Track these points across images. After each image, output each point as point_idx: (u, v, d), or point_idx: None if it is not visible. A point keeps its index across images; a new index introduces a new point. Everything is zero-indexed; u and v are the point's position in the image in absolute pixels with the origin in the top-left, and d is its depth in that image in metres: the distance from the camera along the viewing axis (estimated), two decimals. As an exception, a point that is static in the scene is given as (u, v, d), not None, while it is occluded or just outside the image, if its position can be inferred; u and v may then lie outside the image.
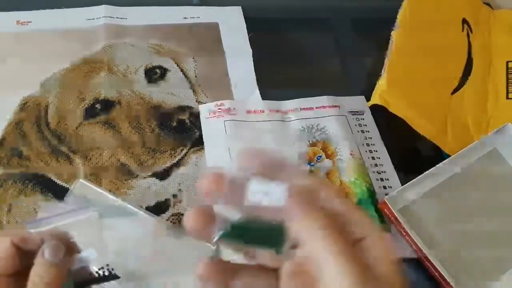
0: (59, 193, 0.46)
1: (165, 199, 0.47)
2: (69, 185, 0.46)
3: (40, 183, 0.46)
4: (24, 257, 0.31)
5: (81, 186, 0.44)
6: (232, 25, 0.63)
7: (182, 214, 0.46)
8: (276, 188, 0.24)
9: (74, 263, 0.32)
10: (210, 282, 0.25)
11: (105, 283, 0.35)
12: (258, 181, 0.24)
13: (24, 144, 0.49)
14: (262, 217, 0.24)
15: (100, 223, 0.37)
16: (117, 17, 0.61)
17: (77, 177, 0.47)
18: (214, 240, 0.25)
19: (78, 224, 0.35)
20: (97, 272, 0.35)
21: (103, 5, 0.61)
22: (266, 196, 0.24)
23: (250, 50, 0.60)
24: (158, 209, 0.46)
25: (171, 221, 0.45)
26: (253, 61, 0.59)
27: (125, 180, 0.48)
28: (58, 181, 0.47)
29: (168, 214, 0.46)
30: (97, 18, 0.60)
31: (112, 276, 0.35)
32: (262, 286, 0.25)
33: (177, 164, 0.49)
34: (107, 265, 0.35)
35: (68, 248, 0.32)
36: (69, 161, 0.48)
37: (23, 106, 0.52)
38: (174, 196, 0.47)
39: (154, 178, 0.48)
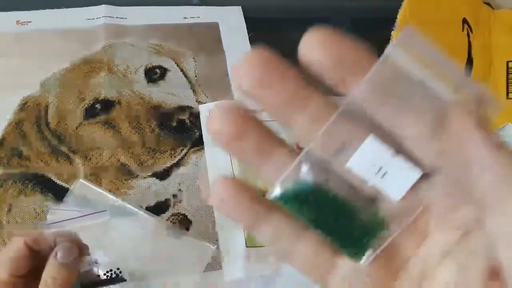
0: (59, 193, 0.46)
1: (165, 199, 0.47)
2: (69, 185, 0.46)
3: (40, 183, 0.46)
4: (35, 257, 0.31)
5: (81, 186, 0.44)
6: (232, 25, 0.63)
7: (182, 214, 0.46)
8: (400, 168, 0.15)
9: (84, 265, 0.33)
10: (229, 208, 0.17)
11: (111, 285, 0.36)
12: (376, 143, 0.15)
13: (24, 144, 0.49)
14: (357, 197, 0.16)
15: (108, 225, 0.37)
16: (117, 17, 0.61)
17: (77, 177, 0.47)
18: (271, 195, 0.16)
19: (87, 226, 0.35)
20: (105, 274, 0.35)
21: (103, 5, 0.61)
22: (379, 174, 0.15)
23: (250, 50, 0.60)
24: (158, 209, 0.46)
25: (171, 221, 0.45)
26: (253, 61, 0.59)
27: (125, 180, 0.48)
28: (58, 181, 0.47)
29: (168, 214, 0.46)
30: (97, 18, 0.60)
31: (118, 279, 0.35)
32: (305, 251, 0.17)
33: (177, 164, 0.49)
34: (118, 268, 0.35)
35: (79, 250, 0.32)
36: (69, 161, 0.48)
37: (23, 106, 0.52)
38: (174, 196, 0.47)
39: (154, 178, 0.48)
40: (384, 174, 0.15)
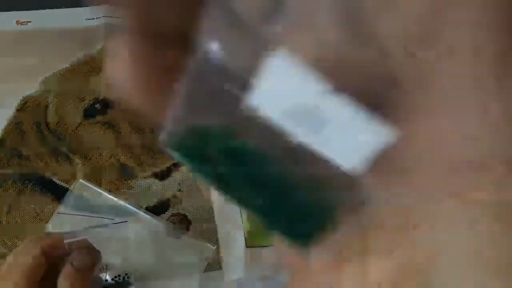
0: (59, 193, 0.45)
1: (165, 199, 0.47)
2: (69, 185, 0.46)
3: (40, 183, 0.46)
4: (49, 263, 0.31)
5: (81, 186, 0.44)
6: (232, 25, 0.63)
7: (182, 214, 0.46)
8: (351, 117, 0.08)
9: (96, 270, 0.33)
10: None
11: None
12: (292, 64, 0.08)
13: (24, 144, 0.49)
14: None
15: (115, 230, 0.37)
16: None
17: (77, 177, 0.47)
18: (161, 139, 0.11)
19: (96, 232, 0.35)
20: (113, 279, 0.35)
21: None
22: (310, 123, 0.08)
23: (250, 50, 0.60)
24: (158, 209, 0.46)
25: (171, 221, 0.45)
26: (253, 61, 0.59)
27: (125, 180, 0.48)
28: (58, 181, 0.47)
29: (168, 214, 0.46)
30: (97, 18, 0.60)
31: (124, 283, 0.36)
32: None
33: (177, 164, 0.49)
34: (126, 274, 0.35)
35: (94, 256, 0.32)
36: (69, 161, 0.48)
37: (23, 106, 0.52)
38: (174, 196, 0.47)
39: (154, 178, 0.48)
40: (322, 123, 0.08)
